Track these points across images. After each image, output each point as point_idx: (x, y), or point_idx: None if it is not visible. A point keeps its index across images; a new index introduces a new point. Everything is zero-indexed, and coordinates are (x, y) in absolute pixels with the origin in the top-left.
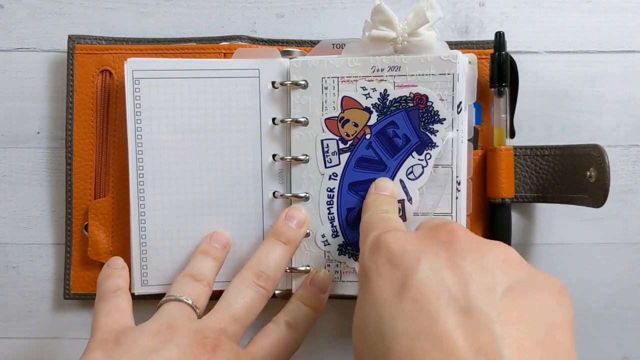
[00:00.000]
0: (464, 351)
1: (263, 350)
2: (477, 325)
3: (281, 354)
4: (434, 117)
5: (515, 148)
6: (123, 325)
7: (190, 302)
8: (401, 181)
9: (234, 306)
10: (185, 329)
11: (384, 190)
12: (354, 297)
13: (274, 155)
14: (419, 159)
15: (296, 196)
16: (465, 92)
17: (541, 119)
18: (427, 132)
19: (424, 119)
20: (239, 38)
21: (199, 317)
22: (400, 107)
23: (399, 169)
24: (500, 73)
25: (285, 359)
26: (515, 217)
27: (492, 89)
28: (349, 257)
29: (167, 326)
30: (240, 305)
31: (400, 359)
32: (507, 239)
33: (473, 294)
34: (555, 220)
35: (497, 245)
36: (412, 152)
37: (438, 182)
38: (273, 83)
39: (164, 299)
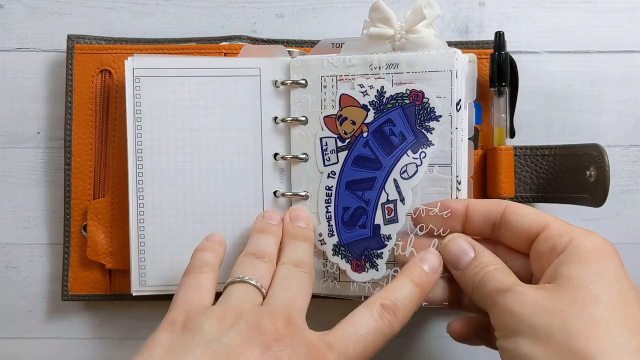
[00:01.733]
0: None
1: (344, 338)
2: None
3: (368, 344)
4: (430, 114)
5: (515, 148)
6: (198, 305)
7: (254, 282)
8: (395, 180)
9: (292, 291)
10: (250, 314)
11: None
12: (347, 298)
13: (275, 154)
14: (413, 158)
15: (297, 195)
16: (464, 90)
17: (541, 119)
18: (422, 130)
19: (420, 116)
20: (239, 38)
21: (265, 295)
22: (397, 104)
23: (393, 167)
24: (500, 73)
25: (374, 350)
26: None
27: (492, 89)
28: (341, 259)
29: (233, 311)
30: (296, 289)
31: None
32: None
33: None
34: None
35: None
36: (407, 150)
37: (437, 181)
38: (274, 82)
39: (229, 279)
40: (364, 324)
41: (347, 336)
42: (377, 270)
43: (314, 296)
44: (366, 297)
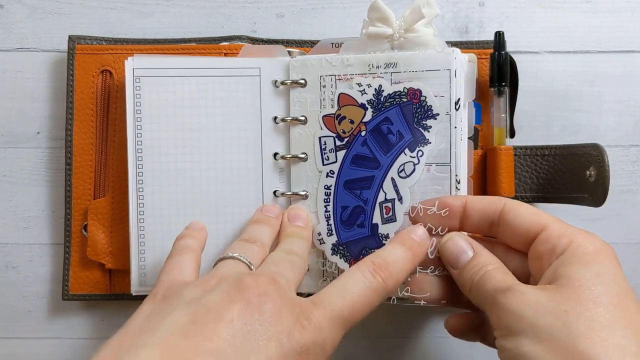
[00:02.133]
0: None
1: (331, 294)
2: None
3: (358, 300)
4: (428, 113)
5: (515, 148)
6: (180, 280)
7: (245, 260)
8: (392, 179)
9: (279, 266)
10: (233, 276)
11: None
12: None
13: (275, 154)
14: (410, 156)
15: (296, 194)
16: (464, 89)
17: (541, 119)
18: (420, 129)
19: (417, 115)
20: (239, 38)
21: None
22: (395, 102)
23: (391, 166)
24: (500, 73)
25: (365, 306)
26: None
27: (492, 89)
28: (340, 258)
29: (217, 277)
30: (286, 266)
31: None
32: None
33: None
34: None
35: None
36: (404, 149)
37: (436, 180)
38: (274, 82)
39: (218, 258)
40: (353, 281)
41: (335, 292)
42: None
43: None
44: None
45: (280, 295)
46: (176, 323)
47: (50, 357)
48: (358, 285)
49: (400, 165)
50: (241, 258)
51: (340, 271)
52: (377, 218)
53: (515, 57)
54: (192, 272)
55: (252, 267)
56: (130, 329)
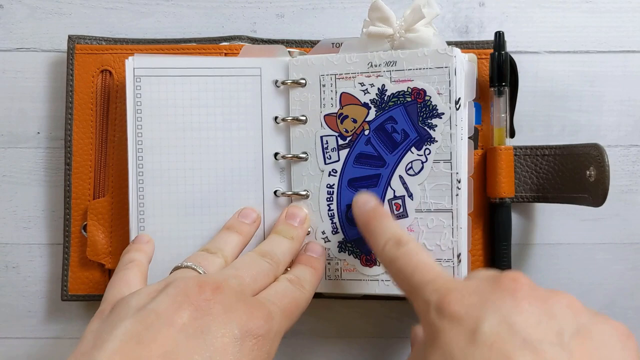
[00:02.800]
0: None
1: (270, 296)
2: None
3: (290, 302)
4: (433, 112)
5: (515, 148)
6: (126, 295)
7: (199, 269)
8: (400, 177)
9: (239, 271)
10: (179, 280)
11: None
12: (352, 297)
13: (275, 154)
14: (418, 155)
15: (297, 194)
16: (464, 89)
17: (541, 119)
18: (425, 127)
19: (422, 114)
20: (239, 38)
21: None
22: (399, 102)
23: (398, 164)
24: (500, 73)
25: (296, 308)
26: (515, 217)
27: (492, 89)
28: (349, 254)
29: (165, 284)
30: (246, 271)
31: None
32: (507, 239)
33: (543, 336)
34: (555, 220)
35: (559, 293)
36: (411, 147)
37: (439, 177)
38: (275, 82)
39: (173, 268)
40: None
41: (279, 291)
42: None
43: (315, 295)
44: (371, 296)
45: (228, 294)
46: (128, 331)
47: (50, 357)
48: (294, 290)
49: (408, 163)
50: (195, 267)
51: (345, 270)
52: None
53: (515, 57)
54: (138, 286)
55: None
56: (82, 347)
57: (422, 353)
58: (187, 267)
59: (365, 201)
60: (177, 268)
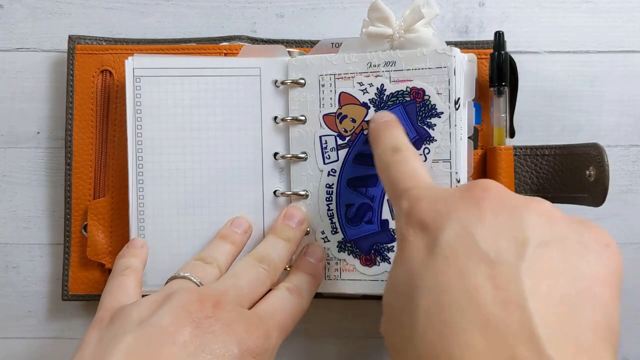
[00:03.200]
0: (490, 303)
1: (268, 310)
2: (505, 278)
3: (287, 315)
4: (432, 111)
5: (515, 148)
6: (124, 303)
7: (196, 280)
8: None
9: (238, 280)
10: (180, 293)
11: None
12: (354, 297)
13: (275, 154)
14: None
15: (296, 194)
16: (463, 89)
17: (541, 119)
18: (424, 127)
19: (421, 113)
20: (239, 38)
21: None
22: (398, 101)
23: None
24: (500, 73)
25: (292, 321)
26: None
27: (492, 89)
28: (348, 254)
29: (164, 296)
30: (244, 279)
31: (428, 312)
32: None
33: (503, 247)
34: None
35: (535, 201)
36: None
37: (438, 177)
38: (275, 82)
39: (168, 278)
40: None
41: (276, 305)
42: (390, 263)
43: (315, 295)
44: (370, 296)
45: (228, 310)
46: (130, 346)
47: (50, 357)
48: (291, 301)
49: None
50: (192, 278)
51: (344, 270)
52: (386, 214)
53: (515, 57)
54: (135, 294)
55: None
56: (82, 358)
57: (392, 265)
58: (183, 277)
59: (381, 115)
60: (173, 278)
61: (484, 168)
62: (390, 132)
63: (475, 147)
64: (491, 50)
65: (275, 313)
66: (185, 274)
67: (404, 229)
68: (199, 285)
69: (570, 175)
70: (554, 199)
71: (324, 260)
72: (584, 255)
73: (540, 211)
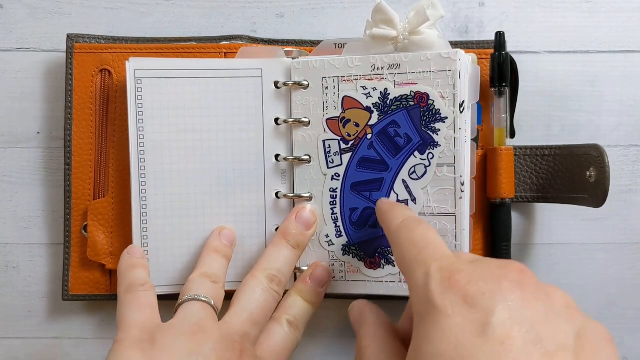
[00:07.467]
0: None
1: (270, 352)
2: None
3: (287, 354)
4: (436, 116)
5: (515, 148)
6: (154, 323)
7: (211, 302)
8: (404, 181)
9: (252, 309)
10: (215, 332)
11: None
12: (355, 297)
13: (276, 156)
14: (421, 159)
15: (299, 196)
16: (468, 91)
17: (541, 119)
18: (428, 132)
19: (425, 118)
20: (239, 38)
21: (215, 308)
22: (401, 106)
23: (401, 168)
24: (500, 73)
25: (290, 355)
26: (515, 217)
27: (493, 89)
28: (353, 257)
29: (198, 327)
30: (258, 308)
31: None
32: (507, 239)
33: (553, 335)
34: (555, 220)
35: (557, 291)
36: (414, 151)
37: (442, 182)
38: (276, 83)
39: (185, 297)
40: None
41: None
42: (394, 266)
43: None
44: (372, 297)
45: (248, 355)
46: None
47: (50, 357)
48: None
49: (411, 168)
50: (202, 299)
51: (350, 272)
52: None
53: (515, 57)
54: (158, 312)
55: (212, 304)
56: None
57: (417, 327)
58: (199, 300)
59: (387, 200)
60: (189, 299)
61: (484, 169)
62: (404, 207)
63: (476, 148)
64: (491, 51)
65: (280, 354)
66: (201, 297)
67: (438, 299)
68: (215, 310)
69: (570, 175)
70: (554, 200)
71: (327, 285)
72: (602, 349)
73: (566, 301)
